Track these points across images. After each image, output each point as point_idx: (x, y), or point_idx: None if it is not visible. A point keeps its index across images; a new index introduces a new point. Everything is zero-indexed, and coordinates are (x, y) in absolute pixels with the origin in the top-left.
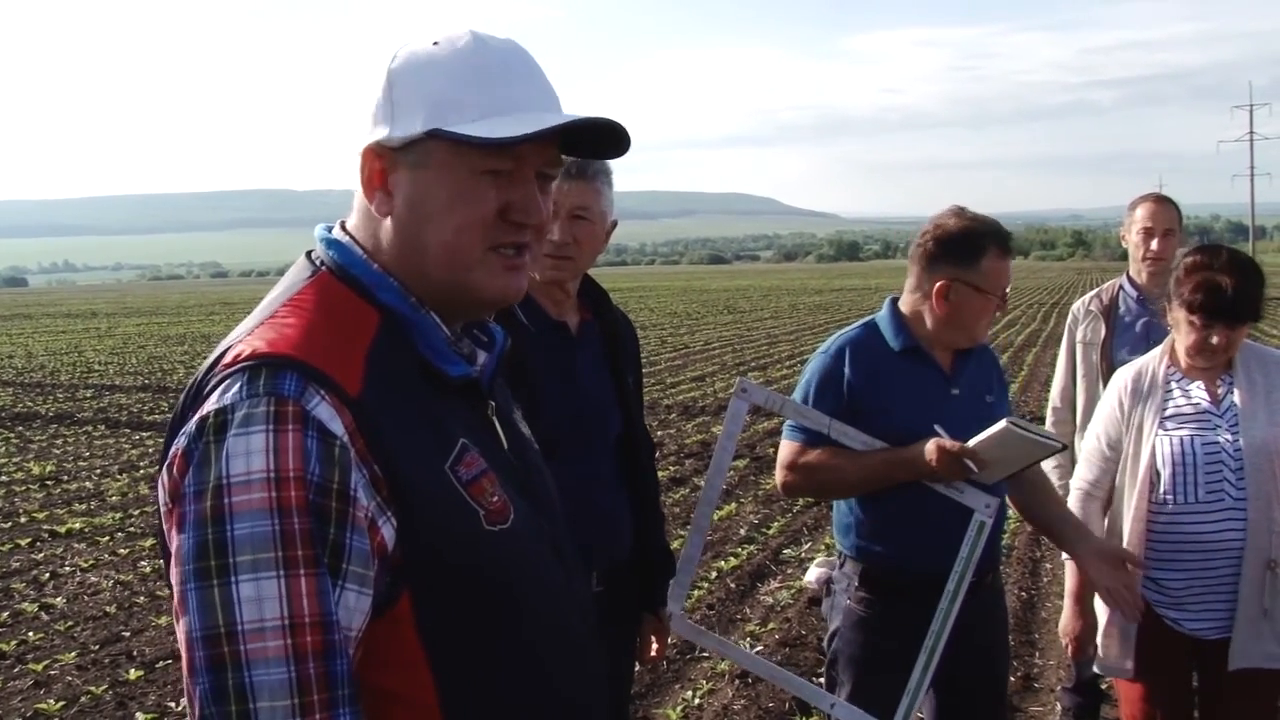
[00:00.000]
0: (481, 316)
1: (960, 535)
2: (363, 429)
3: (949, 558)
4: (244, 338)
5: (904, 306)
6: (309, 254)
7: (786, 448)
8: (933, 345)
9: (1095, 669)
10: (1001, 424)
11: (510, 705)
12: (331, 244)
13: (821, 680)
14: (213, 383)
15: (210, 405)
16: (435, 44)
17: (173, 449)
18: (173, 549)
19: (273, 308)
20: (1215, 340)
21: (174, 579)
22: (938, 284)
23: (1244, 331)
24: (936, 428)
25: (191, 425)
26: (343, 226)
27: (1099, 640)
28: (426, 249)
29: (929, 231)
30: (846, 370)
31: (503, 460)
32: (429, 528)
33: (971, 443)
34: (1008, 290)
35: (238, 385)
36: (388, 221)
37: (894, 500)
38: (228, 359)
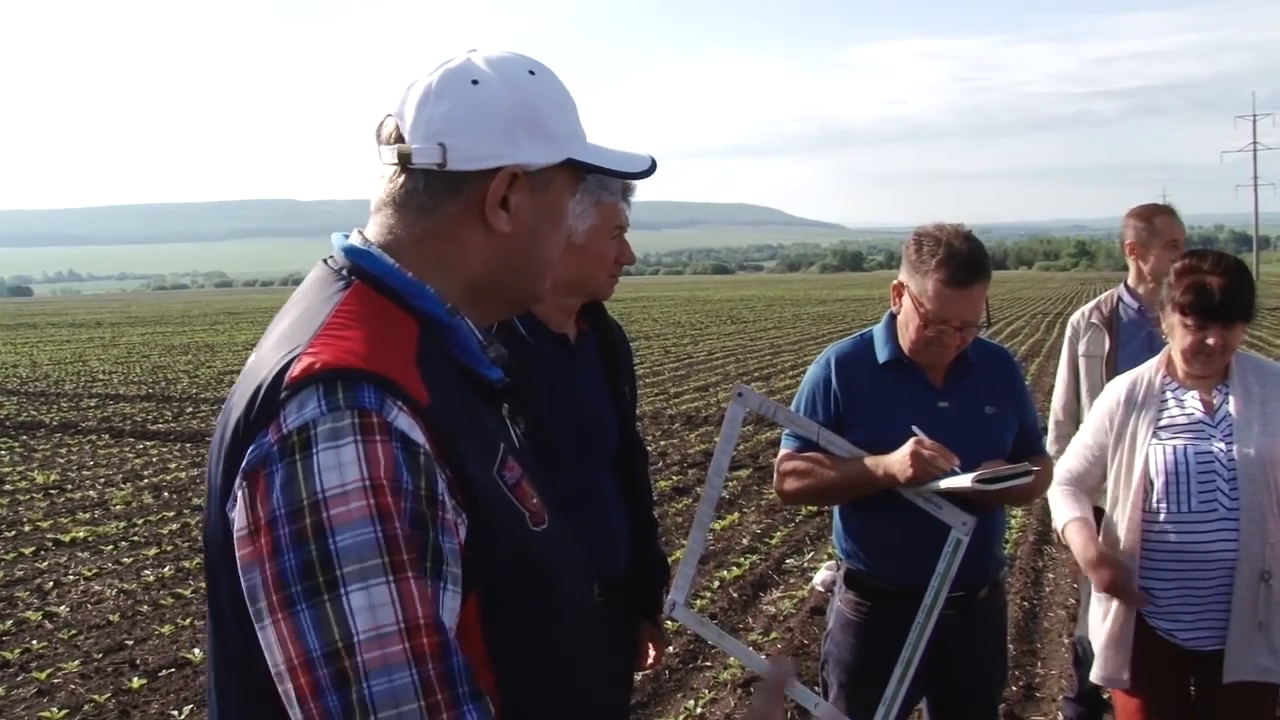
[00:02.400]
0: (512, 317)
1: (940, 552)
2: (436, 436)
3: (928, 574)
4: (304, 350)
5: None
6: (326, 262)
7: (781, 453)
8: (920, 356)
9: (1093, 679)
10: (967, 482)
11: (555, 705)
12: (361, 254)
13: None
14: (282, 397)
15: (291, 423)
16: (532, 73)
17: (247, 468)
18: (261, 575)
19: (318, 318)
20: (1211, 341)
21: (270, 604)
22: (894, 282)
23: (1239, 333)
24: (914, 429)
25: (270, 445)
26: (360, 235)
27: (1097, 651)
28: (530, 264)
29: (913, 231)
30: (833, 381)
31: (526, 463)
32: (489, 530)
33: (943, 484)
34: (960, 325)
35: (315, 400)
36: (483, 237)
37: (877, 513)
38: (295, 372)
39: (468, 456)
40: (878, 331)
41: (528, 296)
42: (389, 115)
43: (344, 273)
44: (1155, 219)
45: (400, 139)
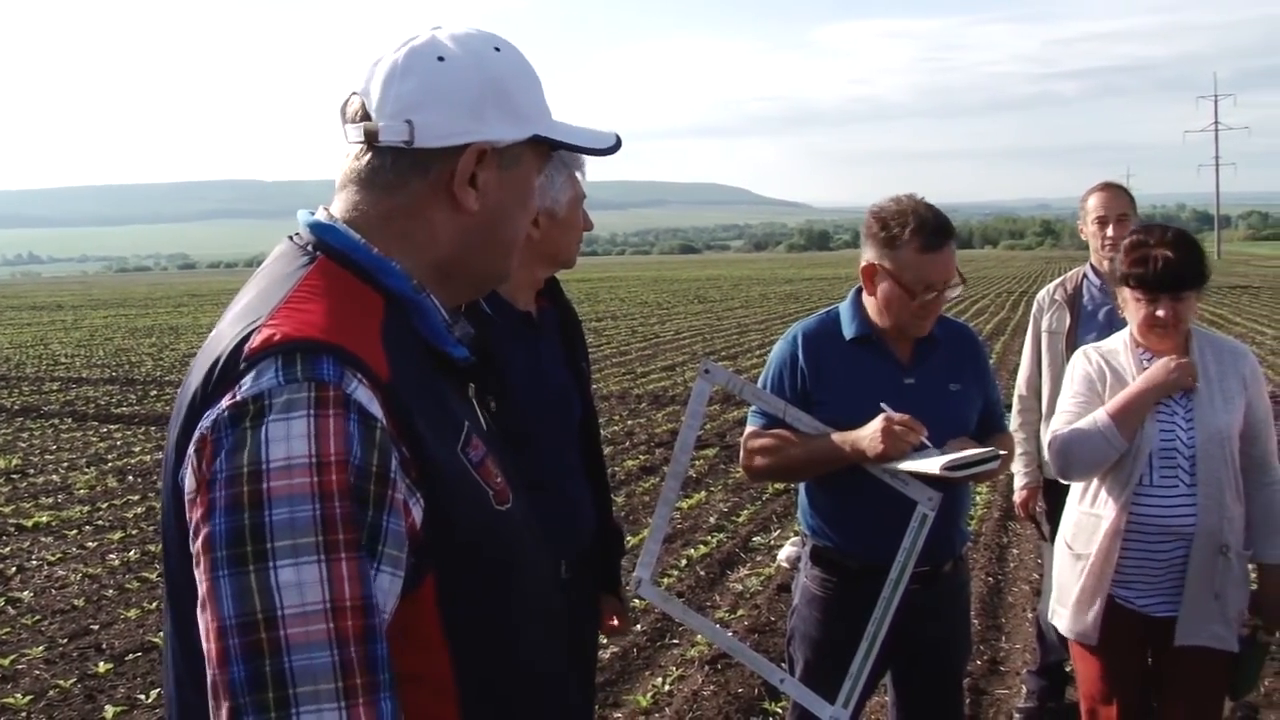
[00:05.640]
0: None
1: (905, 528)
2: (394, 412)
3: (894, 549)
4: (264, 322)
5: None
6: (291, 238)
7: (747, 430)
8: (887, 333)
9: (1064, 632)
10: (935, 468)
11: (512, 681)
12: (326, 229)
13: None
14: (240, 368)
15: (246, 391)
16: (498, 49)
17: (198, 435)
18: (197, 536)
19: (281, 292)
20: (1161, 313)
21: (200, 565)
22: (863, 266)
23: (1191, 304)
24: (883, 405)
25: (223, 411)
26: (326, 212)
27: (1072, 606)
28: (499, 243)
29: (869, 212)
30: (800, 357)
31: (491, 443)
32: (450, 509)
33: (904, 465)
34: (944, 287)
35: (272, 370)
36: (450, 215)
37: (843, 489)
38: (254, 344)
39: (427, 433)
40: (844, 308)
41: (493, 277)
42: (354, 93)
43: (309, 248)
44: (1089, 197)
45: (366, 116)
